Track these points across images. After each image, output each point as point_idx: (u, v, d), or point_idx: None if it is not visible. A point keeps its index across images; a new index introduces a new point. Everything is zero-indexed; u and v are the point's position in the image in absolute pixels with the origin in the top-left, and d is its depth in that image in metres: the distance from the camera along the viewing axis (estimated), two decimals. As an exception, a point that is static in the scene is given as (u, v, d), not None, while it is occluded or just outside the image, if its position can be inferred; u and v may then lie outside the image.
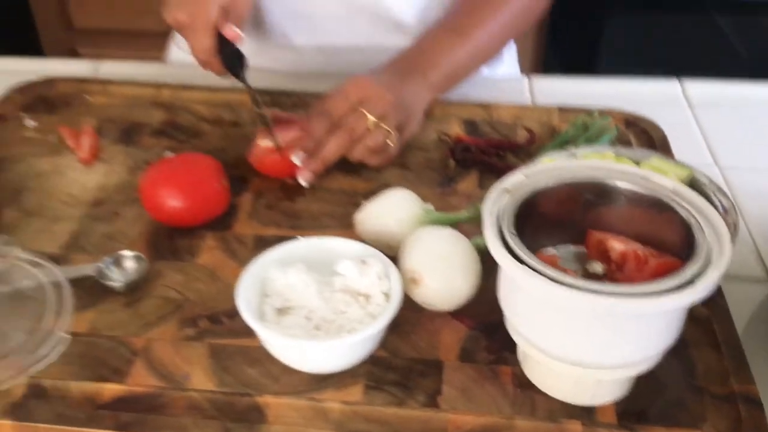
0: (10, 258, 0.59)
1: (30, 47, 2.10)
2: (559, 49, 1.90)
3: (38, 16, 2.12)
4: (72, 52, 2.10)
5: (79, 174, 0.73)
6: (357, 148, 0.70)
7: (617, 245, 0.51)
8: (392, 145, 0.71)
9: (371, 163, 0.72)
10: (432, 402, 0.52)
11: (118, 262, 0.62)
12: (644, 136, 0.78)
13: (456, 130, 0.79)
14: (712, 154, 0.80)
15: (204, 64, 0.72)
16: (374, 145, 0.70)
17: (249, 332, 0.56)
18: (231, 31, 0.70)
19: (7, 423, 0.51)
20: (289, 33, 0.89)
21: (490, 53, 0.86)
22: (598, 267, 0.50)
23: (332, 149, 0.70)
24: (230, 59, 0.71)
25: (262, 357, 0.55)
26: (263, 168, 0.72)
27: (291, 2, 0.87)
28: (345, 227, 0.66)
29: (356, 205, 0.66)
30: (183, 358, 0.55)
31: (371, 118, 0.69)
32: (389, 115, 0.70)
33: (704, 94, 0.89)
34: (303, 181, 0.70)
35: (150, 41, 1.86)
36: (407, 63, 0.78)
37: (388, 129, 0.70)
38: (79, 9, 2.08)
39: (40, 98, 0.83)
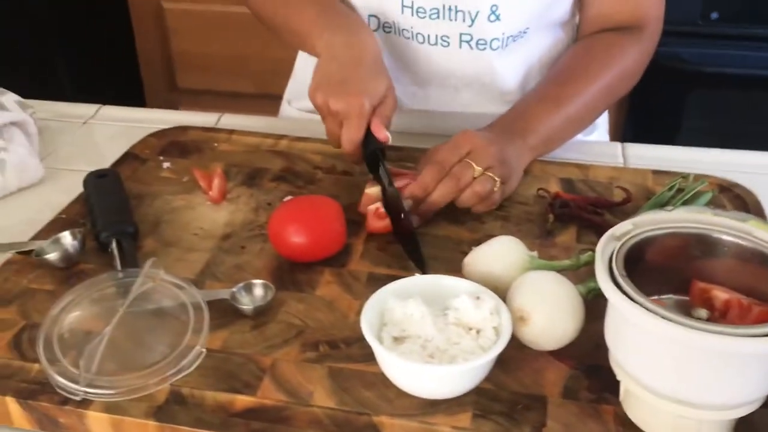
0: (157, 279, 0.66)
1: (136, 104, 2.27)
2: (639, 122, 1.93)
3: (145, 75, 2.30)
4: (173, 110, 2.26)
5: (209, 211, 0.81)
6: (465, 194, 0.75)
7: (721, 294, 0.54)
8: (497, 192, 0.76)
9: (476, 209, 0.77)
10: (537, 433, 0.56)
11: (248, 288, 0.68)
12: (738, 201, 0.81)
13: (554, 187, 0.84)
14: (805, 222, 0.82)
15: (344, 152, 0.77)
16: (481, 190, 0.75)
17: (366, 358, 0.61)
18: (383, 133, 0.76)
19: (151, 423, 0.57)
20: (400, 97, 0.96)
21: (585, 121, 0.91)
22: (703, 313, 0.54)
23: (440, 194, 0.75)
24: (374, 157, 0.76)
25: (377, 381, 0.60)
26: (372, 223, 0.77)
27: (407, 73, 0.94)
28: (451, 271, 0.70)
29: (461, 252, 0.71)
30: (305, 377, 0.61)
31: (478, 168, 0.75)
32: (494, 166, 0.76)
33: (796, 166, 0.92)
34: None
35: (248, 102, 2.00)
36: (508, 126, 0.84)
37: (494, 177, 0.75)
38: (183, 71, 2.25)
39: (173, 144, 0.93)
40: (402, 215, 0.73)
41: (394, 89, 0.79)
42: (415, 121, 0.98)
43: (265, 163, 0.89)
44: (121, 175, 0.84)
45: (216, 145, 0.93)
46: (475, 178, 0.75)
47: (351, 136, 0.75)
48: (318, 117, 1.03)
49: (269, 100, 1.26)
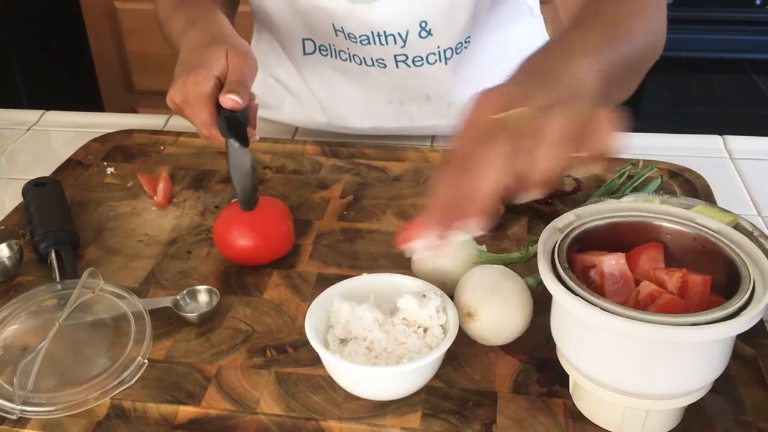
0: (96, 290, 0.65)
1: (93, 107, 2.23)
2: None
3: (101, 77, 2.25)
4: (132, 112, 2.23)
5: (154, 216, 0.79)
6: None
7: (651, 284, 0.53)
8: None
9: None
10: (487, 430, 0.55)
11: (192, 295, 0.66)
12: (688, 186, 0.81)
13: (505, 179, 0.83)
14: (755, 205, 0.83)
15: (207, 138, 0.69)
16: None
17: (313, 362, 0.60)
18: (228, 101, 0.66)
19: (91, 439, 0.55)
20: (344, 116, 0.94)
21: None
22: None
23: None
24: (228, 127, 0.67)
25: (325, 385, 0.59)
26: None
27: (350, 92, 0.92)
28: (401, 268, 0.69)
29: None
30: (252, 384, 0.59)
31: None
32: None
33: (746, 149, 0.92)
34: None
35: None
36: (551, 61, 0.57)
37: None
38: (140, 72, 2.20)
39: (117, 148, 0.91)
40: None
41: (242, 50, 0.70)
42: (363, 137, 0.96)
43: (212, 164, 0.87)
44: (63, 183, 0.81)
45: (162, 148, 0.90)
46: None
47: (198, 119, 0.67)
48: (266, 115, 1.01)
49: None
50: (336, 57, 0.88)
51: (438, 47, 0.85)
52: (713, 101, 1.83)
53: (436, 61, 0.86)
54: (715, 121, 1.79)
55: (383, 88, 0.90)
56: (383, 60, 0.86)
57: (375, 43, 0.84)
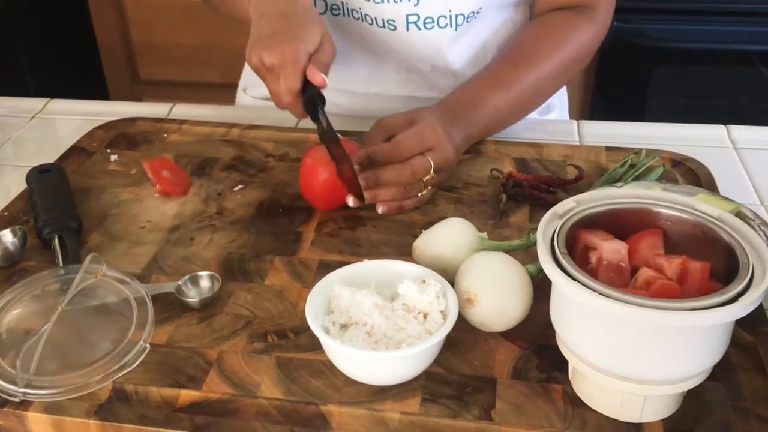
0: (99, 274, 0.65)
1: (99, 98, 2.23)
2: (605, 99, 1.94)
3: (107, 67, 2.26)
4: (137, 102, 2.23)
5: (157, 203, 0.79)
6: (405, 203, 0.76)
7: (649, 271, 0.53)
8: (426, 193, 0.77)
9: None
10: (486, 415, 0.55)
11: (194, 281, 0.67)
12: (690, 174, 0.81)
13: (508, 167, 0.83)
14: (758, 194, 0.83)
15: (285, 105, 0.75)
16: (420, 204, 0.77)
17: (314, 347, 0.61)
18: (319, 77, 0.72)
19: (92, 422, 0.56)
20: (351, 79, 0.95)
21: (532, 105, 0.90)
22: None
23: (387, 196, 0.75)
24: (312, 102, 0.74)
25: (325, 369, 0.59)
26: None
27: (359, 55, 0.93)
28: (403, 255, 0.70)
29: (413, 236, 0.70)
30: (253, 368, 0.59)
31: (430, 174, 0.75)
32: (442, 170, 0.77)
33: (749, 139, 0.92)
34: (351, 203, 0.75)
35: (211, 92, 1.97)
36: (457, 112, 0.82)
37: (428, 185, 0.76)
38: (146, 62, 2.21)
39: (121, 136, 0.91)
40: (340, 155, 0.73)
41: (330, 36, 0.76)
42: (367, 104, 0.97)
43: (216, 152, 0.88)
44: (67, 170, 0.82)
45: (165, 135, 0.91)
46: (423, 194, 0.76)
47: (288, 85, 0.72)
48: (272, 104, 1.01)
49: (235, 90, 1.24)
50: (349, 16, 0.88)
51: (450, 11, 0.86)
52: (721, 93, 1.82)
53: (446, 25, 0.87)
54: (723, 112, 1.78)
55: (392, 53, 0.91)
56: (393, 22, 0.87)
57: (389, 1, 0.85)
